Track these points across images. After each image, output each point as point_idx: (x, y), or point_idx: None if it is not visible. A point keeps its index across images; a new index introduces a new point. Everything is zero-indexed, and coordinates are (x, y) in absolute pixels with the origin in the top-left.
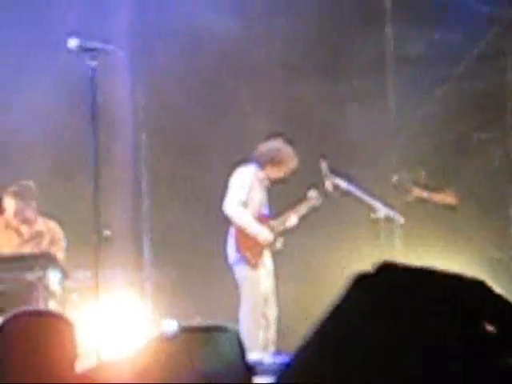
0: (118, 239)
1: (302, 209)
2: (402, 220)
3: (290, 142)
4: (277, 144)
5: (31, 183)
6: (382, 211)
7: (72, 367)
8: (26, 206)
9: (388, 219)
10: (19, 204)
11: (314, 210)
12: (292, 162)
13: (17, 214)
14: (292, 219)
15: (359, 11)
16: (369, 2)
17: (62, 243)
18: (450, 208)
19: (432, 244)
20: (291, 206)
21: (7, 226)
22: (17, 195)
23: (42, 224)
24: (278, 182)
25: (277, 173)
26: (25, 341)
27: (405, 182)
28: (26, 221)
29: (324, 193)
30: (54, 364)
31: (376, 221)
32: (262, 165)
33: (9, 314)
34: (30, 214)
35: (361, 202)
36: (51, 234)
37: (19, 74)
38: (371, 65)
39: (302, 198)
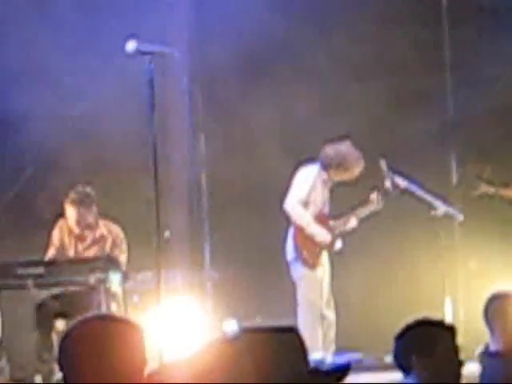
0: (178, 240)
1: (363, 211)
2: (461, 217)
3: (356, 144)
4: (344, 148)
5: (89, 189)
6: (442, 209)
7: (141, 373)
8: (86, 212)
9: (448, 216)
10: (80, 211)
11: (375, 214)
12: (358, 168)
13: (78, 221)
14: (352, 221)
15: (417, 12)
16: (426, 3)
17: (124, 245)
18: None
19: (493, 241)
20: (352, 207)
21: (70, 232)
22: (77, 203)
23: (104, 228)
24: (341, 184)
25: (341, 176)
26: (93, 345)
27: (470, 177)
28: (88, 226)
29: (384, 192)
30: (122, 369)
31: (435, 218)
32: (326, 167)
33: (79, 319)
34: (91, 219)
35: (420, 199)
36: (113, 236)
37: (77, 77)
38: (429, 61)
39: (364, 199)
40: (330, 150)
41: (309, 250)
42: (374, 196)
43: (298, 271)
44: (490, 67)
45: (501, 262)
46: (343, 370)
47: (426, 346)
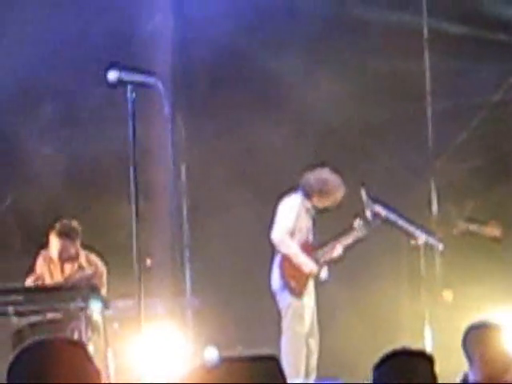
0: (160, 268)
1: (348, 239)
2: (441, 247)
3: (336, 171)
4: (324, 174)
5: (75, 223)
6: (422, 238)
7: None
8: (70, 245)
9: (428, 246)
10: (65, 243)
11: (359, 241)
12: (339, 193)
13: (61, 253)
14: (337, 249)
15: (398, 42)
16: (408, 33)
17: (104, 278)
18: (495, 240)
19: (472, 273)
20: (337, 235)
21: (50, 262)
22: (62, 235)
23: (84, 258)
24: (323, 211)
25: (324, 203)
26: (39, 371)
27: (451, 215)
28: (69, 258)
29: (365, 221)
30: None
31: (416, 248)
32: (309, 195)
33: (22, 347)
34: (73, 251)
35: (401, 229)
36: (93, 267)
37: (59, 105)
38: (410, 90)
39: (347, 227)
40: (310, 178)
41: (296, 279)
42: (357, 223)
43: (285, 300)
44: (472, 97)
45: (480, 293)
46: None
47: (405, 375)
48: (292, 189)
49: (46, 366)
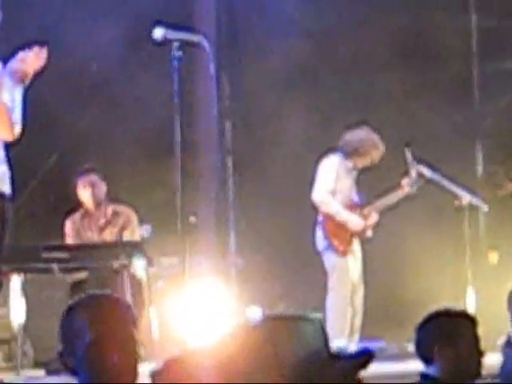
0: (204, 226)
1: (395, 196)
2: (486, 208)
3: (375, 130)
4: (362, 134)
5: (96, 167)
6: (466, 199)
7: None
8: (99, 182)
9: (472, 207)
10: (93, 180)
11: (407, 199)
12: (377, 152)
13: (94, 194)
14: (392, 197)
15: (445, 1)
16: None
17: (134, 224)
18: None
19: None
20: (384, 191)
21: (82, 218)
22: (89, 171)
23: (115, 207)
24: (365, 170)
25: (362, 162)
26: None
27: (498, 176)
28: (100, 206)
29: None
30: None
31: (460, 208)
32: (347, 155)
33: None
34: (103, 190)
35: (445, 189)
36: (124, 216)
37: (106, 64)
38: (456, 55)
39: (395, 185)
40: (348, 137)
41: (339, 238)
42: (405, 181)
43: (330, 260)
44: None
45: None
46: (367, 356)
47: (447, 336)
48: (331, 149)
49: (92, 321)
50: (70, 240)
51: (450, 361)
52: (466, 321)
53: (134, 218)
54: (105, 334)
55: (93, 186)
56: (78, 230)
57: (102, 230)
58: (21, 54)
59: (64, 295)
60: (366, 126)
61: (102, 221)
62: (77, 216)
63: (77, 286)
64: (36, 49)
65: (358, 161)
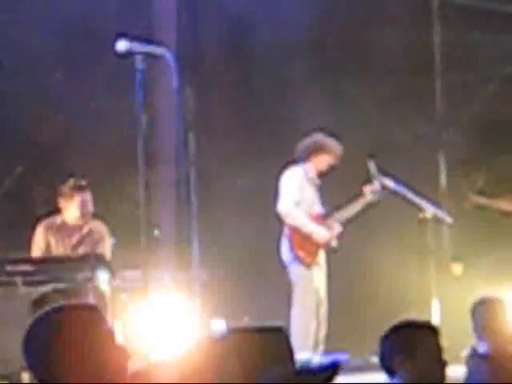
0: (166, 239)
1: (358, 205)
2: (450, 220)
3: (331, 135)
4: (315, 136)
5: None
6: (430, 211)
7: (111, 349)
8: (87, 197)
9: (436, 219)
10: (84, 197)
11: (369, 207)
12: (336, 148)
13: (83, 208)
14: (351, 209)
15: (407, 13)
16: (417, 4)
17: (107, 241)
18: (506, 214)
19: (481, 246)
20: (346, 201)
21: (58, 230)
22: (82, 188)
23: (89, 226)
24: (325, 175)
25: (323, 163)
26: (58, 335)
27: (462, 188)
28: (86, 215)
29: (373, 191)
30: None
31: (424, 220)
32: (306, 158)
33: (39, 313)
34: (91, 207)
35: (409, 201)
36: (97, 232)
37: (70, 75)
38: (419, 67)
39: (357, 193)
40: (304, 142)
41: (305, 250)
42: (366, 189)
43: (296, 272)
44: (481, 68)
45: (487, 266)
46: (331, 369)
47: (409, 347)
48: (290, 162)
49: (61, 330)
50: (36, 248)
51: (413, 372)
52: (428, 331)
53: (106, 234)
54: (73, 342)
55: (86, 206)
56: (48, 242)
57: (74, 247)
58: None
59: (26, 308)
60: (320, 132)
61: (76, 237)
62: (52, 225)
63: (40, 299)
64: None
65: (319, 161)
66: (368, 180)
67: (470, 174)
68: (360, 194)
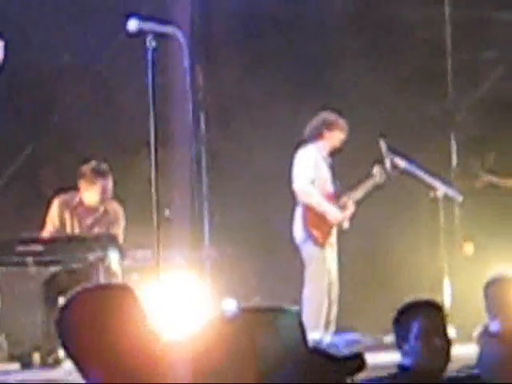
0: (178, 219)
1: (367, 185)
2: (460, 198)
3: (357, 125)
4: (321, 114)
5: (105, 165)
6: (441, 190)
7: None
8: (107, 183)
9: (447, 198)
10: (105, 183)
11: (378, 187)
12: (344, 124)
13: (103, 194)
14: (359, 192)
15: None
16: None
17: (122, 223)
18: None
19: (493, 225)
20: (356, 182)
21: (73, 208)
22: (103, 173)
23: (104, 206)
24: (337, 152)
25: (337, 138)
26: (92, 316)
27: (474, 168)
28: (104, 200)
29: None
30: (124, 334)
31: (435, 199)
32: (319, 136)
33: (72, 292)
34: (110, 192)
35: (420, 180)
36: (113, 213)
37: (80, 57)
38: (429, 47)
39: (366, 173)
40: (315, 120)
41: (319, 229)
42: (375, 169)
43: (309, 251)
44: (493, 49)
45: (499, 246)
46: (360, 361)
47: (421, 327)
48: (302, 142)
49: (93, 310)
50: (50, 224)
51: (423, 351)
52: (435, 310)
53: (122, 216)
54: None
55: (107, 192)
56: (63, 220)
57: (89, 228)
58: None
59: (38, 288)
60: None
61: (92, 218)
62: (69, 203)
63: (51, 279)
64: None
65: (331, 139)
66: (377, 161)
67: (480, 154)
68: (369, 175)
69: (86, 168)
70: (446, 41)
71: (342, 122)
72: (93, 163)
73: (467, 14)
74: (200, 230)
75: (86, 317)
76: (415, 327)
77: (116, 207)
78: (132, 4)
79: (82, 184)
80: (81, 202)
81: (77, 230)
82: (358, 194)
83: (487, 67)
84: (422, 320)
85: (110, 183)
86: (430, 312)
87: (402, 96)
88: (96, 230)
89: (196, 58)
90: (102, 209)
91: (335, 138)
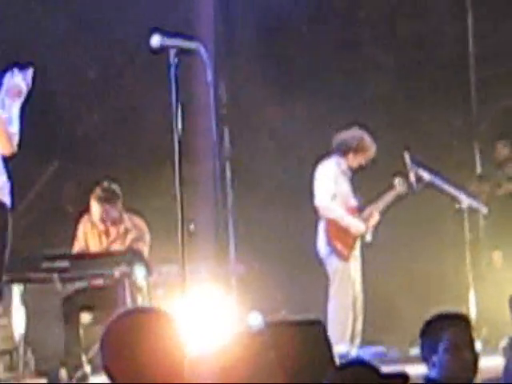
0: (203, 233)
1: (388, 197)
2: (485, 210)
3: (381, 138)
4: (354, 132)
5: (115, 186)
6: (466, 202)
7: (181, 363)
8: (111, 209)
9: (472, 210)
10: (105, 208)
11: (400, 198)
12: (372, 149)
13: (103, 218)
14: (380, 205)
15: (441, 5)
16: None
17: (147, 237)
18: None
19: None
20: (378, 194)
21: (94, 226)
22: (103, 200)
23: (128, 221)
24: (358, 170)
25: (359, 160)
26: (134, 338)
27: (497, 176)
28: (113, 222)
29: (409, 185)
30: (162, 358)
31: (460, 211)
32: (342, 153)
33: (114, 315)
34: (115, 215)
35: (444, 193)
36: (137, 230)
37: (104, 73)
38: (453, 59)
39: (388, 185)
40: (341, 136)
41: (343, 242)
42: (397, 180)
43: (333, 265)
44: None
45: None
46: (400, 379)
47: (448, 339)
48: (325, 155)
49: (138, 335)
50: (76, 244)
51: (452, 364)
52: (463, 323)
53: (146, 231)
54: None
55: (108, 215)
56: (87, 237)
57: (111, 244)
58: (14, 74)
59: (59, 305)
60: (356, 126)
61: (114, 234)
62: (89, 222)
63: (71, 296)
64: (28, 70)
65: (353, 159)
66: (398, 172)
67: (503, 164)
68: (390, 187)
69: (96, 188)
70: (470, 53)
71: (371, 148)
72: (103, 185)
73: (490, 27)
74: (225, 244)
75: (125, 339)
76: (444, 339)
77: (140, 223)
78: (156, 20)
79: (90, 202)
80: (101, 217)
81: (99, 248)
82: (380, 205)
83: (509, 80)
84: (451, 333)
85: (115, 207)
86: (460, 325)
87: (426, 108)
88: (117, 246)
89: (220, 74)
90: (123, 226)
91: (356, 161)
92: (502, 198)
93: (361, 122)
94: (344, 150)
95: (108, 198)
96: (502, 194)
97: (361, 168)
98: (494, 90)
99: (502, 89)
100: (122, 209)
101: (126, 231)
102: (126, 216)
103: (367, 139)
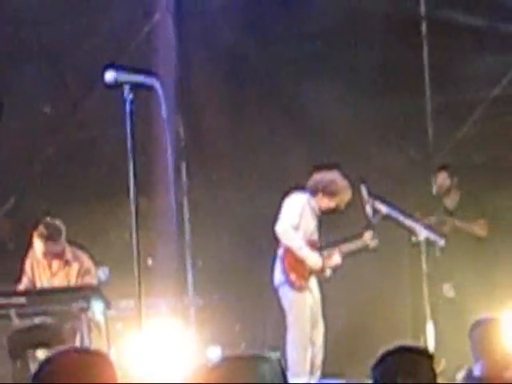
0: (161, 267)
1: (354, 245)
2: (442, 242)
3: (345, 175)
4: (334, 175)
5: (58, 222)
6: (423, 234)
7: None
8: (54, 245)
9: (429, 242)
10: (48, 245)
11: (366, 250)
12: (346, 195)
13: (45, 254)
14: (338, 255)
15: (396, 36)
16: (406, 27)
17: (93, 271)
18: (477, 239)
19: (473, 268)
20: (343, 239)
21: (38, 260)
22: (45, 237)
23: (69, 253)
24: (328, 213)
25: (327, 203)
26: (67, 378)
27: (439, 210)
28: (55, 256)
29: (365, 219)
30: None
31: (417, 244)
32: (315, 193)
33: (54, 352)
34: (58, 249)
35: (401, 225)
36: (79, 262)
37: (58, 107)
38: (408, 90)
39: (357, 234)
40: (319, 176)
41: (297, 272)
42: (368, 234)
43: (287, 295)
44: (471, 91)
45: (477, 289)
46: None
47: (406, 372)
48: (299, 187)
49: (70, 376)
50: (25, 279)
51: None
52: (424, 356)
53: (90, 264)
54: None
55: (49, 253)
56: (33, 271)
57: (53, 275)
58: None
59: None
60: (336, 170)
61: (55, 266)
62: (34, 256)
63: (16, 334)
64: None
65: (324, 201)
66: (368, 225)
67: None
68: (360, 236)
69: (39, 225)
70: (425, 83)
71: (345, 194)
72: (45, 221)
73: (446, 55)
74: (183, 278)
75: (58, 379)
76: (396, 371)
77: (81, 256)
78: (113, 54)
79: (33, 239)
80: (44, 253)
81: (44, 280)
82: (343, 249)
83: (466, 110)
84: (407, 364)
85: (58, 243)
86: (418, 357)
87: (382, 140)
88: (61, 277)
89: (178, 108)
90: (64, 258)
91: (326, 204)
92: (449, 234)
93: (317, 151)
94: (313, 190)
95: (50, 236)
96: (448, 230)
97: (334, 211)
98: (450, 120)
99: (458, 119)
100: (64, 242)
101: (68, 263)
102: (68, 249)
103: (339, 184)
